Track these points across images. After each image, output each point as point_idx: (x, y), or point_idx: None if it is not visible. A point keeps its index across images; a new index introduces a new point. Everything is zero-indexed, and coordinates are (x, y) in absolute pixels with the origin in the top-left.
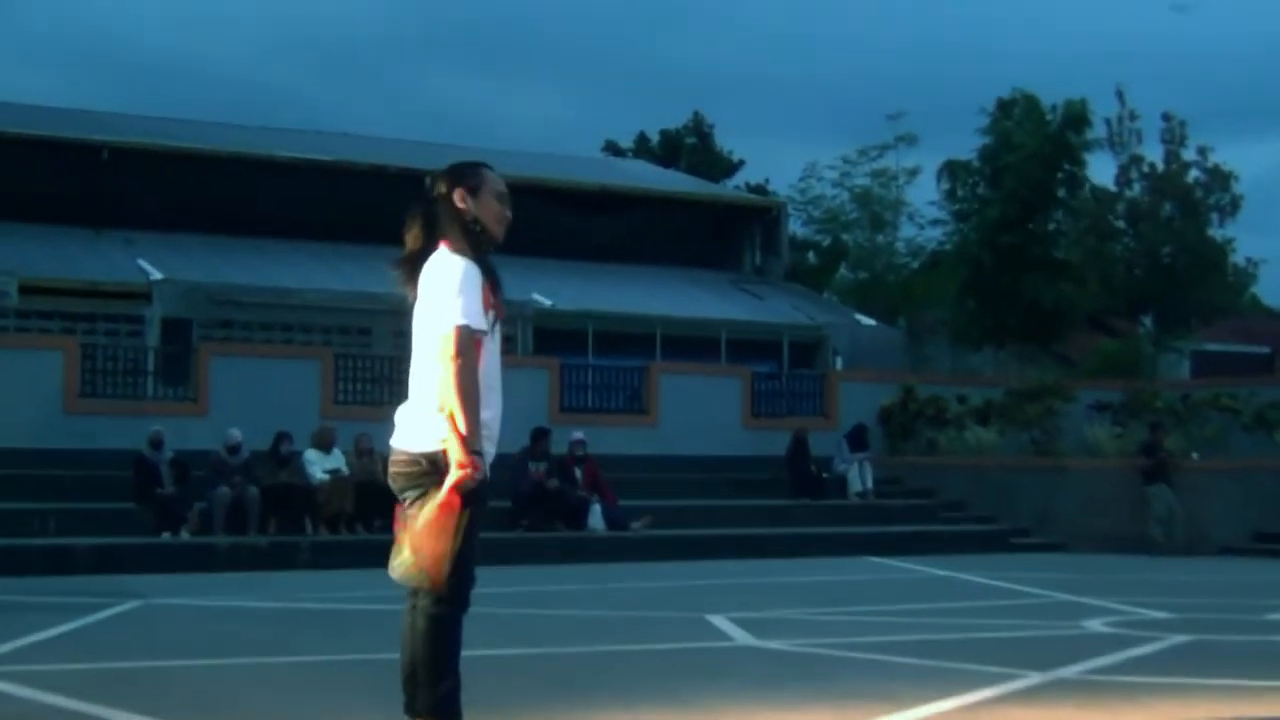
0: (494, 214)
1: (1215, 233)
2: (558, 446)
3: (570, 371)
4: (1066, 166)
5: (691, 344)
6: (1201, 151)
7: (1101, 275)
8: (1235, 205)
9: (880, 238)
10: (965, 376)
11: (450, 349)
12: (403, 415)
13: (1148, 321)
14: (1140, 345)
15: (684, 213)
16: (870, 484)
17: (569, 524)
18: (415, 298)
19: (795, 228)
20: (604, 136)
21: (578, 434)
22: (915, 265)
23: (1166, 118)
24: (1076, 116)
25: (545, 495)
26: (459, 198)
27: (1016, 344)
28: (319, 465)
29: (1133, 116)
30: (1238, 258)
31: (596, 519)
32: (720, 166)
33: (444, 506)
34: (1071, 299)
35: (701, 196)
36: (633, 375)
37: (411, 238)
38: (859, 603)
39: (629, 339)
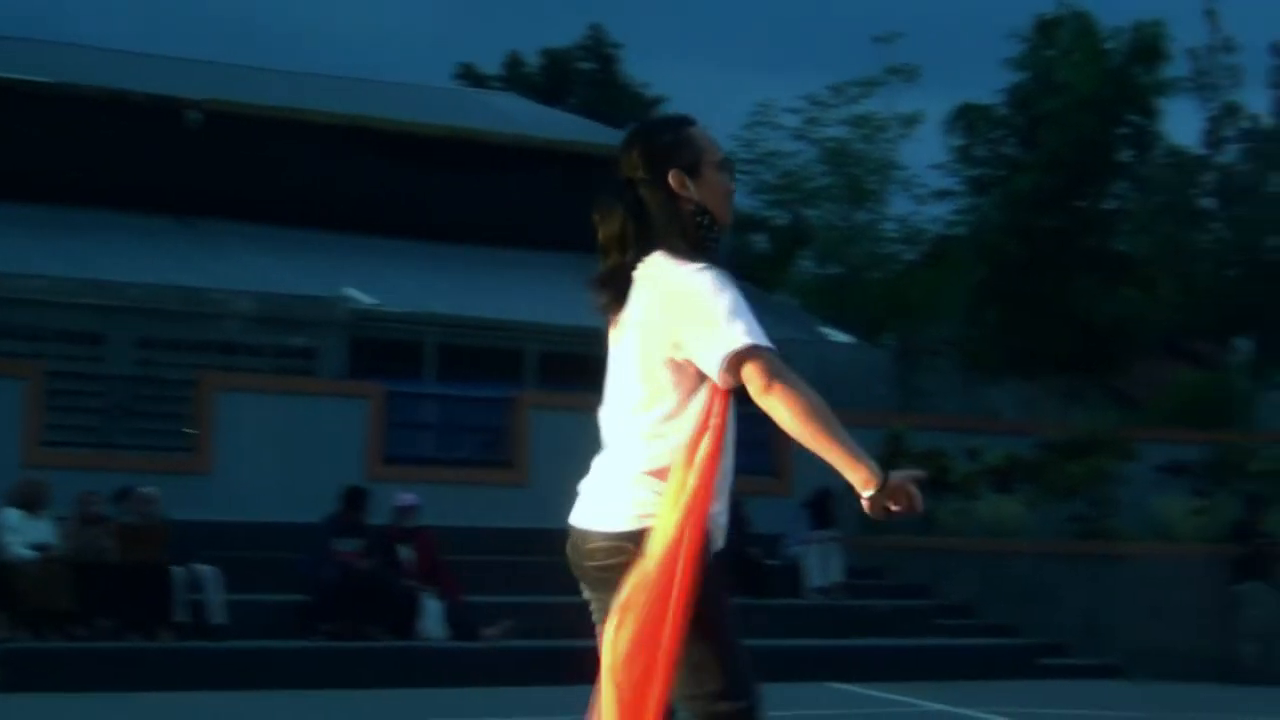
0: (721, 193)
1: None
2: (377, 515)
3: (399, 404)
4: (1133, 117)
5: (579, 365)
6: None
7: (1181, 277)
8: None
9: (862, 215)
10: (980, 420)
11: (759, 380)
12: (590, 485)
13: (1245, 346)
14: (1233, 380)
15: (573, 171)
16: (838, 576)
17: (392, 628)
18: (617, 322)
19: (738, 197)
20: (459, 59)
21: (407, 496)
22: (911, 257)
23: (1277, 51)
24: (1148, 46)
25: (358, 586)
26: (676, 183)
27: (1055, 375)
28: (21, 536)
29: (1228, 48)
30: None
31: (433, 621)
32: (628, 105)
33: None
34: (1137, 311)
35: (599, 148)
36: (492, 411)
37: (614, 242)
38: None
39: (487, 356)
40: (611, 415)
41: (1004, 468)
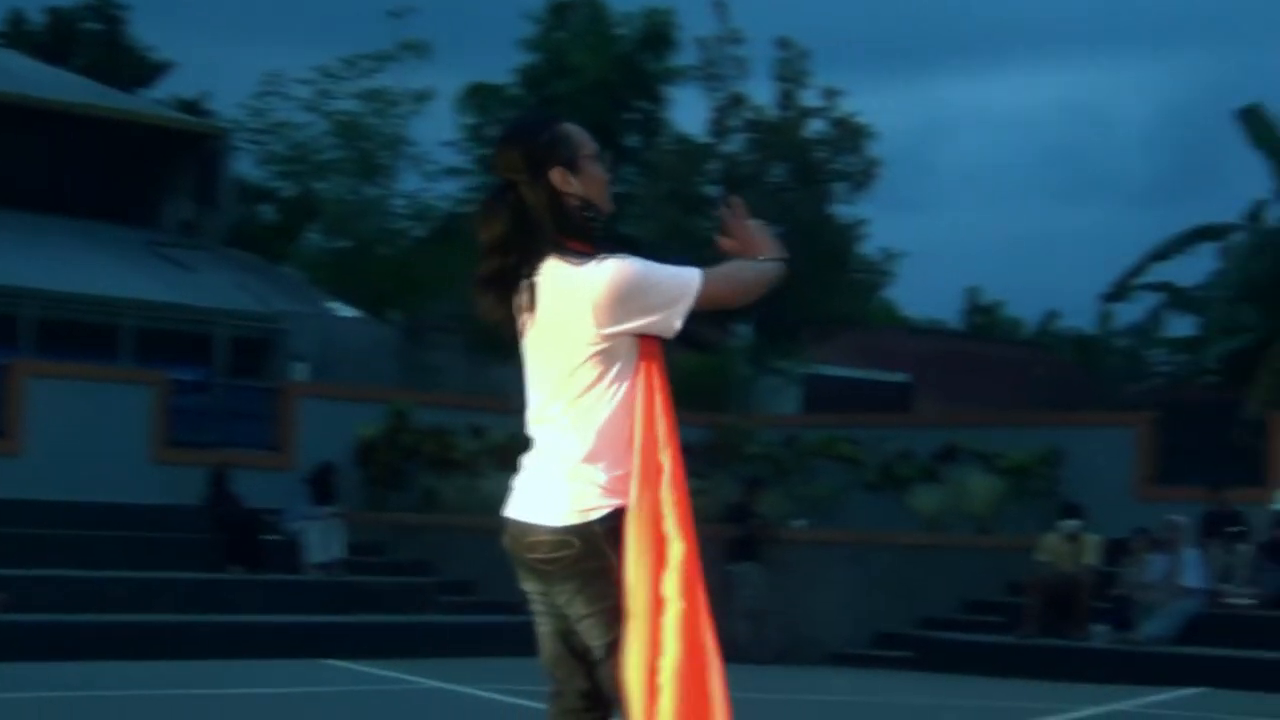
0: (600, 184)
1: (842, 210)
2: None
3: None
4: (641, 103)
5: (77, 333)
6: (828, 95)
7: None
8: (870, 174)
9: (371, 189)
10: (485, 399)
11: (721, 301)
12: (526, 480)
13: (745, 331)
14: (733, 364)
15: (73, 134)
16: (339, 552)
17: None
18: (527, 324)
19: (245, 168)
20: None
21: None
22: (420, 234)
23: (783, 45)
24: (658, 34)
25: None
26: (559, 179)
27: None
28: None
29: (735, 39)
30: (870, 248)
31: None
32: (134, 69)
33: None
34: None
35: (102, 111)
36: None
37: (496, 244)
38: None
39: None
40: (537, 412)
41: (509, 446)
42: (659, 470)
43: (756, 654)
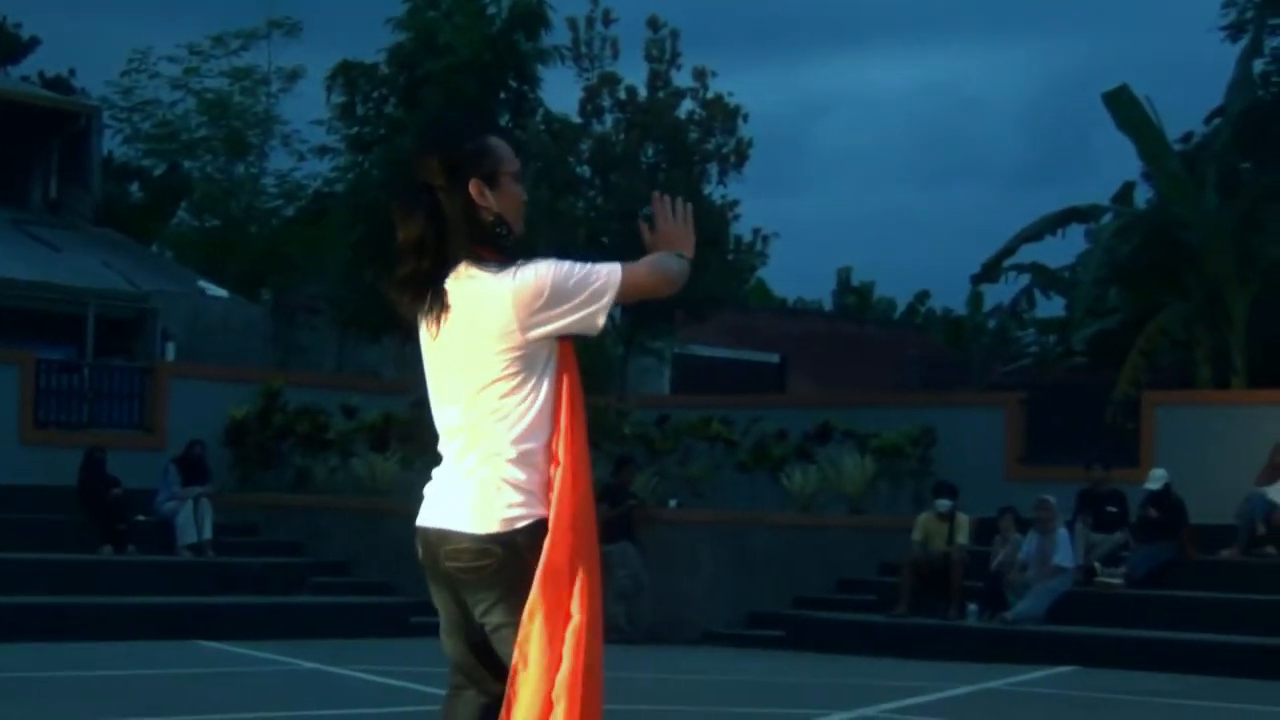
0: (517, 203)
1: (714, 191)
2: None
3: None
4: (513, 84)
5: None
6: (700, 76)
7: (557, 242)
8: (742, 154)
9: (241, 168)
10: (357, 378)
11: (638, 293)
12: (442, 488)
13: (616, 312)
14: (605, 346)
15: None
16: (208, 533)
17: None
18: (440, 328)
19: (113, 146)
20: None
21: None
22: (290, 213)
23: (653, 25)
24: (529, 13)
25: None
26: (475, 191)
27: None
28: None
29: (607, 20)
30: (742, 228)
31: None
32: (2, 46)
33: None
34: None
35: None
36: None
37: (412, 245)
38: (174, 713)
39: None
40: (451, 421)
41: (380, 426)
42: (576, 479)
43: (630, 633)
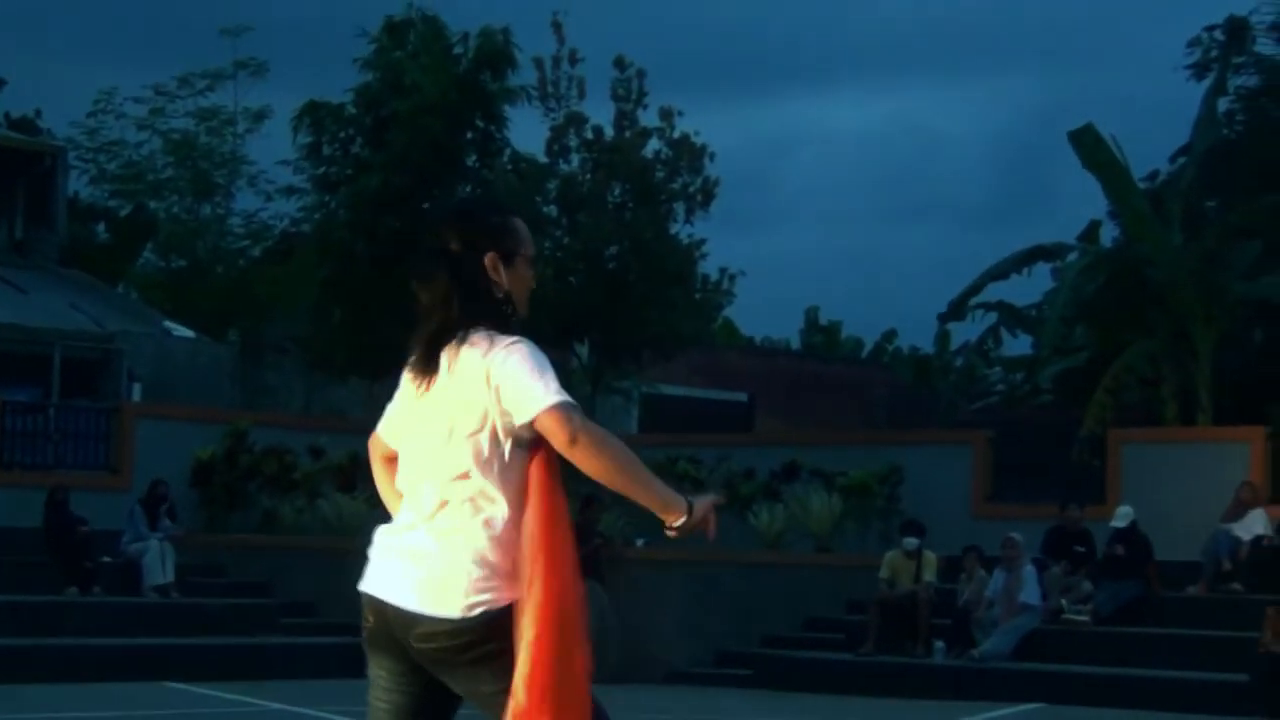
0: (526, 287)
1: (681, 230)
2: None
3: None
4: (480, 123)
5: None
6: (666, 115)
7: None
8: (709, 194)
9: (208, 209)
10: (324, 419)
11: (563, 434)
12: (400, 561)
13: (583, 352)
14: (574, 384)
15: None
16: (171, 574)
17: None
18: (428, 389)
19: (79, 187)
20: None
21: None
22: (257, 253)
23: (620, 64)
24: (496, 53)
25: None
26: (490, 264)
27: (400, 374)
28: None
29: (574, 59)
30: (709, 267)
31: None
32: None
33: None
34: None
35: None
36: None
37: (438, 306)
38: None
39: None
40: (425, 484)
41: (347, 466)
42: (555, 563)
43: (596, 673)
